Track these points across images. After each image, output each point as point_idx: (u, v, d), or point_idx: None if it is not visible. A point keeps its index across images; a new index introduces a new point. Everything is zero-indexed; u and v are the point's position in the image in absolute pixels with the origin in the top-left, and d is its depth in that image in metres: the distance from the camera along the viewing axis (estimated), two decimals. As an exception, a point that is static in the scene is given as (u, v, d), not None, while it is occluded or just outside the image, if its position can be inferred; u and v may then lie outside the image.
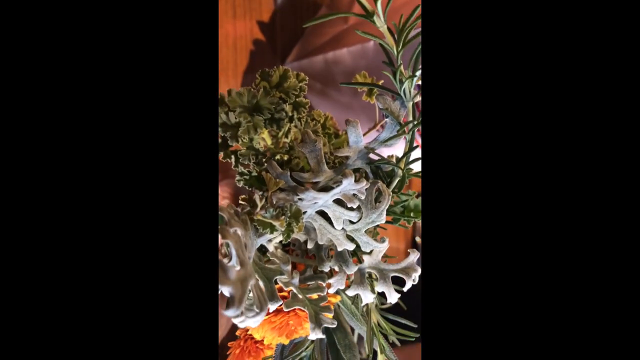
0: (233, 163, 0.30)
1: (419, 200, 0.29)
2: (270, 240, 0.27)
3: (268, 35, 0.44)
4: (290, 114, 0.29)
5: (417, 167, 0.27)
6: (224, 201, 0.34)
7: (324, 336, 0.23)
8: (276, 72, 0.28)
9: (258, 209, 0.21)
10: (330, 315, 0.25)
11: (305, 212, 0.25)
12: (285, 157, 0.30)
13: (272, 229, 0.22)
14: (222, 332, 0.39)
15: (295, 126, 0.31)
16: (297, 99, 0.29)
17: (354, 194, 0.24)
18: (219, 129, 0.29)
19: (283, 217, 0.21)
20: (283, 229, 0.22)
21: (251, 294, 0.20)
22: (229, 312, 0.16)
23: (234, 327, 0.42)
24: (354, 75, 0.46)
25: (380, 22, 0.20)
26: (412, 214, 0.29)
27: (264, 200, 0.22)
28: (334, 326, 0.23)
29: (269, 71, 0.28)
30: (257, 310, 0.19)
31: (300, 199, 0.24)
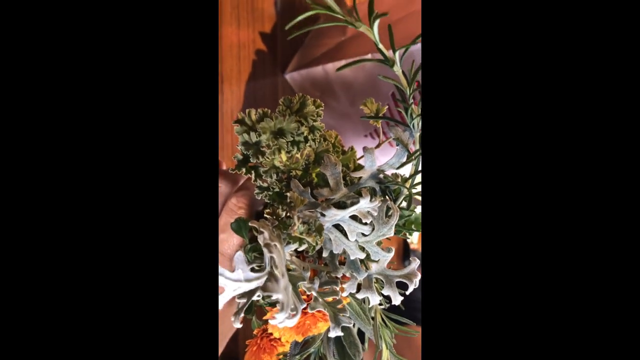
0: (253, 178, 0.33)
1: (418, 214, 0.33)
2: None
3: (269, 46, 0.47)
4: (306, 134, 0.33)
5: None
6: (240, 210, 0.37)
7: (342, 333, 0.27)
8: (297, 99, 0.32)
9: (296, 226, 0.25)
10: (347, 315, 0.29)
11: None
12: (299, 173, 0.33)
13: (301, 242, 0.25)
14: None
15: (310, 146, 0.34)
16: (314, 123, 0.33)
17: (368, 211, 0.28)
18: (241, 147, 0.32)
19: (314, 233, 0.25)
20: (314, 244, 0.25)
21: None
22: (279, 316, 0.20)
23: (236, 334, 0.45)
24: (351, 85, 0.49)
25: (397, 68, 0.24)
26: (412, 227, 0.33)
27: (300, 219, 0.25)
28: (351, 324, 0.27)
29: (290, 99, 0.32)
30: (295, 312, 0.22)
31: (322, 215, 0.27)
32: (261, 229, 0.23)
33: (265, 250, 0.22)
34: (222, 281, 0.22)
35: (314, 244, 0.25)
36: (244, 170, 0.33)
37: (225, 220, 0.37)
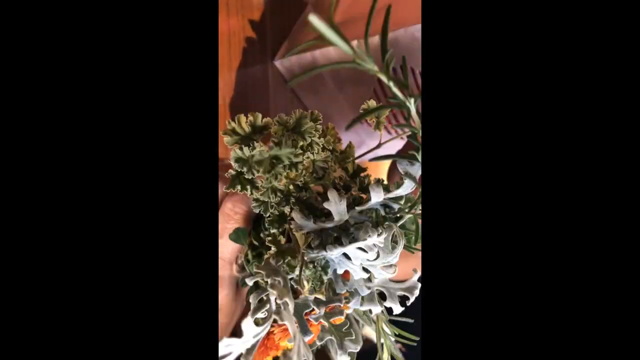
0: (249, 192, 0.32)
1: (419, 226, 0.33)
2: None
3: (259, 33, 0.43)
4: (305, 149, 0.31)
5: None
6: (236, 216, 0.36)
7: (349, 358, 0.29)
8: (293, 117, 0.29)
9: (305, 290, 0.24)
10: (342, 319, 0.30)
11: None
12: (300, 182, 0.32)
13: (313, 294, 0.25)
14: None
15: (307, 157, 0.32)
16: (312, 139, 0.30)
17: (374, 244, 0.27)
18: (234, 164, 0.30)
19: (323, 286, 0.25)
20: (325, 299, 0.25)
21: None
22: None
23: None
24: (339, 70, 0.46)
25: (413, 112, 0.22)
26: (415, 241, 0.32)
27: (306, 277, 0.24)
28: (356, 349, 0.28)
29: (286, 118, 0.29)
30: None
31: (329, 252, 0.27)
32: (271, 289, 0.23)
33: (277, 318, 0.22)
34: (227, 349, 0.22)
35: (325, 299, 0.25)
36: (239, 187, 0.31)
37: (222, 225, 0.36)
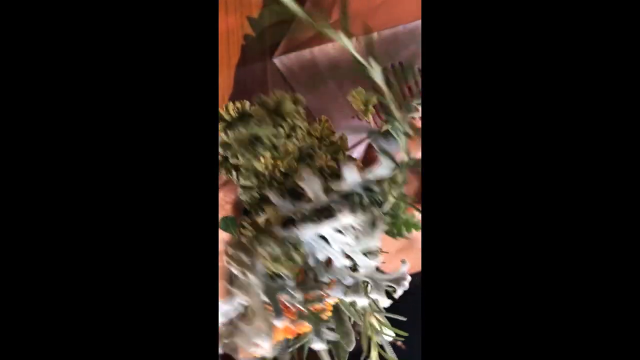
0: (235, 178, 0.32)
1: (410, 215, 0.31)
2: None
3: (257, 31, 0.45)
4: (288, 133, 0.30)
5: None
6: (226, 205, 0.36)
7: (325, 347, 0.27)
8: (273, 98, 0.29)
9: (268, 264, 0.24)
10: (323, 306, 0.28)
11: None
12: (284, 168, 0.31)
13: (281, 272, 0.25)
14: None
15: (293, 143, 0.32)
16: (295, 122, 0.30)
17: (351, 225, 0.26)
18: (220, 149, 0.30)
19: (293, 264, 0.24)
20: (292, 275, 0.24)
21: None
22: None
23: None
24: (338, 67, 0.46)
25: (379, 79, 0.21)
26: (403, 228, 0.31)
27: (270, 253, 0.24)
28: (335, 338, 0.27)
29: (266, 98, 0.29)
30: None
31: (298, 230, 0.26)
32: (231, 261, 0.23)
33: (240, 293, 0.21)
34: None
35: (292, 275, 0.24)
36: (224, 171, 0.31)
37: (214, 215, 0.36)
